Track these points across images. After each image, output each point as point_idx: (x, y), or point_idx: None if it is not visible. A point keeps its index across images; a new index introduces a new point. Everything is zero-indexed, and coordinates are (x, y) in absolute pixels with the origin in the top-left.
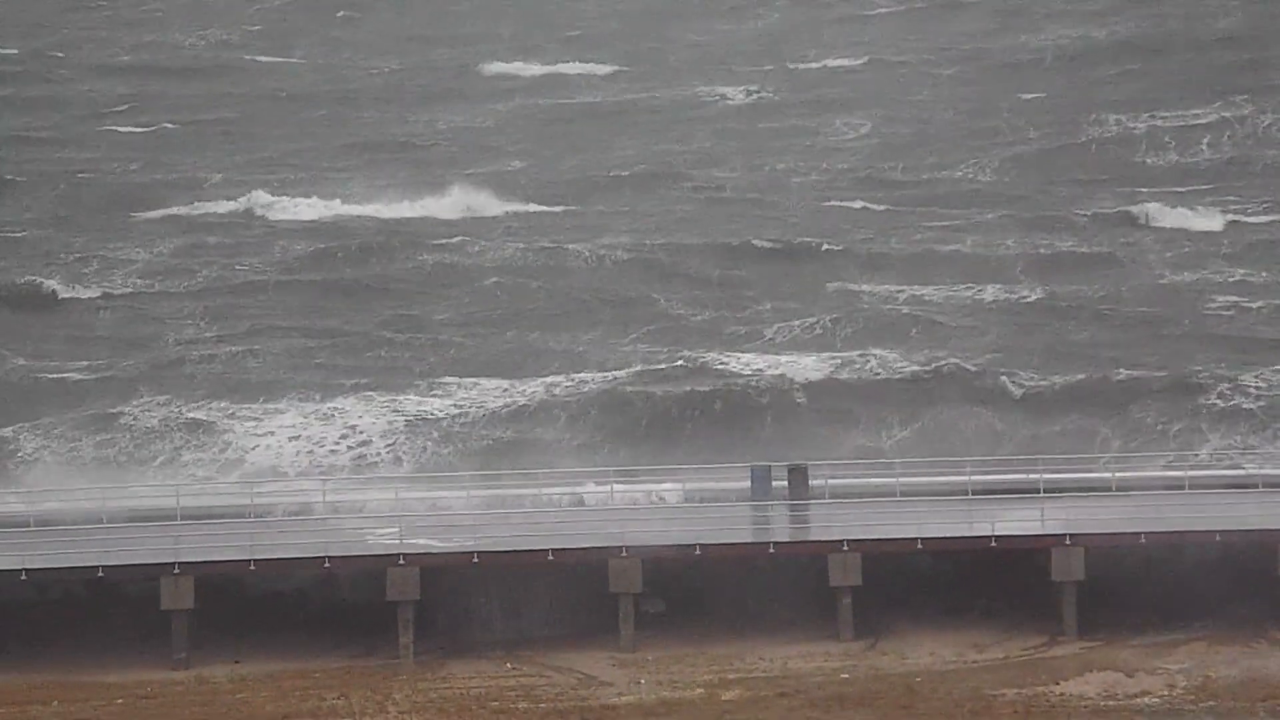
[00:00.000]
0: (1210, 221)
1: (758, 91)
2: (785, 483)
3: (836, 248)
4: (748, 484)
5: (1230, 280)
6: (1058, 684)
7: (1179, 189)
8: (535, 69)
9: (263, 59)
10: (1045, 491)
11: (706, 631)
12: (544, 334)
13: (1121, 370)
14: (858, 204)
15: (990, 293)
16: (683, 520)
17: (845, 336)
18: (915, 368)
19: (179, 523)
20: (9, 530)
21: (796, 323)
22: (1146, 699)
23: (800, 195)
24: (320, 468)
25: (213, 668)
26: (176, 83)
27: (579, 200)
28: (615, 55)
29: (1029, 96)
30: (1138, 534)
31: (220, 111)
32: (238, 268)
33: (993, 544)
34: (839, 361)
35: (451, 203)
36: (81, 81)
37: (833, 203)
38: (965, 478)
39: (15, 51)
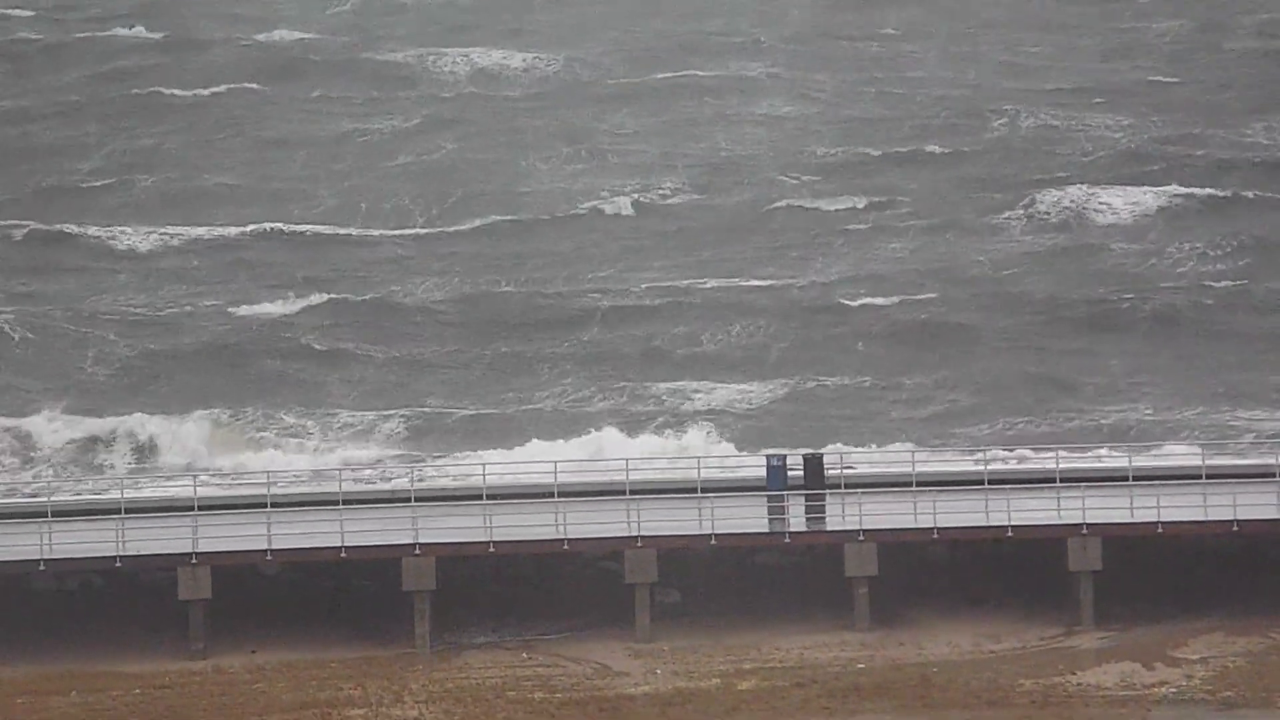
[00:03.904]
0: None
1: None
2: (800, 473)
3: None
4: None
5: None
6: (1075, 674)
7: None
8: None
9: None
10: (1061, 481)
11: (722, 622)
12: None
13: None
14: None
15: None
16: (698, 510)
17: None
18: None
19: (196, 513)
20: (27, 520)
21: None
22: (1164, 688)
23: None
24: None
25: (230, 658)
26: None
27: None
28: None
29: None
30: (1154, 524)
31: None
32: None
33: (1009, 534)
34: None
35: None
36: None
37: None
38: (981, 467)
39: None
